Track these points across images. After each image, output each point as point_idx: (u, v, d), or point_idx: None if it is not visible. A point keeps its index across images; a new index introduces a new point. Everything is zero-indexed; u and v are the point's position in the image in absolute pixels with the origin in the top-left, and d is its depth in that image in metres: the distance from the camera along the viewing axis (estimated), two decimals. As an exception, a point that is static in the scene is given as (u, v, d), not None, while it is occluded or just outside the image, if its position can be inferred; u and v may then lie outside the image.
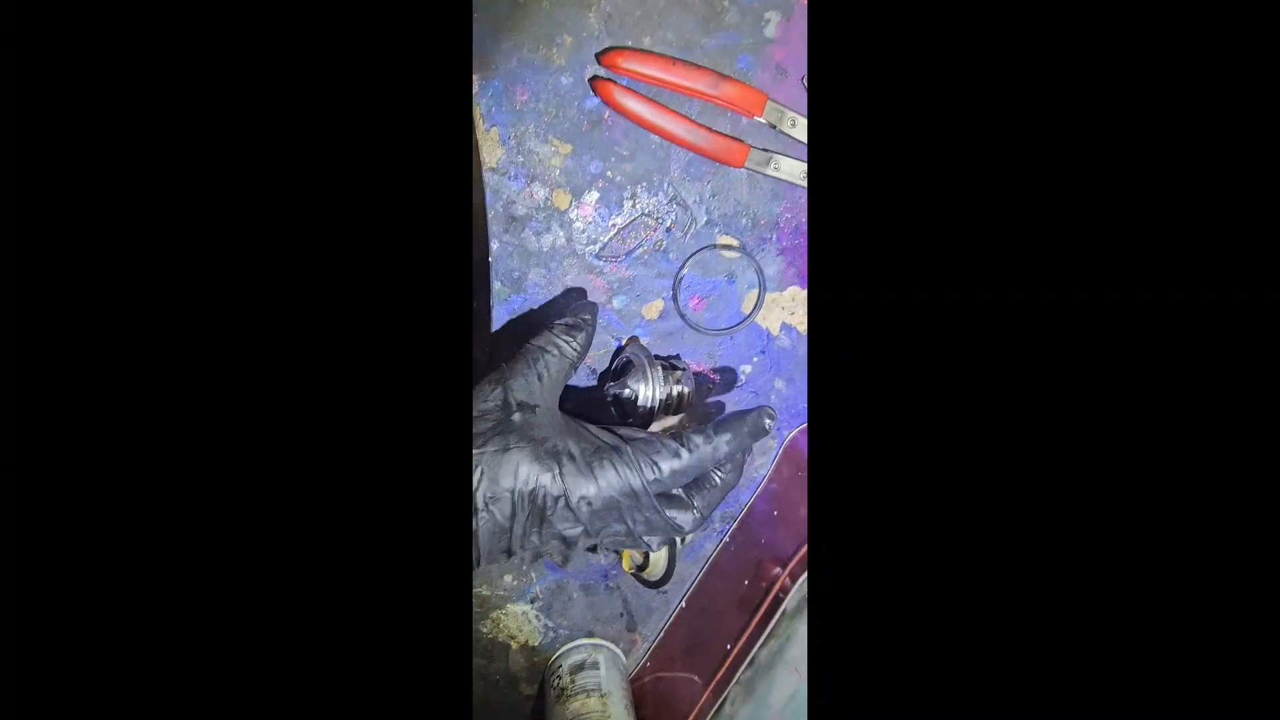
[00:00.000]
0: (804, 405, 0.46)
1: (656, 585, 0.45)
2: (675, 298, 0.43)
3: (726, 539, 0.48)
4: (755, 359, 0.45)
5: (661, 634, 0.49)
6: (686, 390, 0.42)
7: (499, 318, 0.42)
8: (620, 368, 0.42)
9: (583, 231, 0.41)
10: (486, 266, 0.40)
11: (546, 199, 0.40)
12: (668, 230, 0.42)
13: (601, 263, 0.42)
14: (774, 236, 0.43)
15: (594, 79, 0.38)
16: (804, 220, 0.42)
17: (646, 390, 0.40)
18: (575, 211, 0.40)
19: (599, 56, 0.38)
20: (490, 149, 0.39)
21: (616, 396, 0.41)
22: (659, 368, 0.41)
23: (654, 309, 0.43)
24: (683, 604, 0.49)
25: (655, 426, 0.43)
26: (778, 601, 0.40)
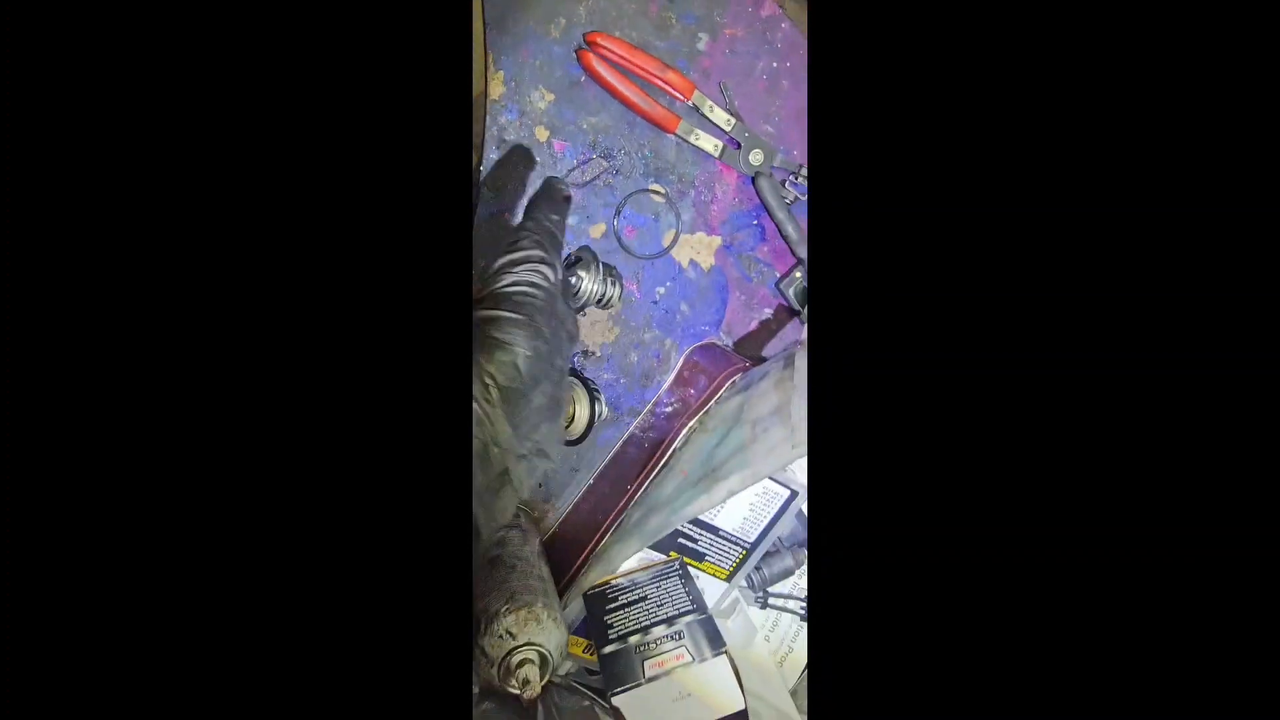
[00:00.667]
0: (702, 328, 0.61)
1: (573, 443, 0.57)
2: (614, 224, 0.57)
3: (634, 429, 0.60)
4: (668, 284, 0.60)
5: (570, 507, 0.60)
6: (618, 291, 0.55)
7: (481, 214, 0.54)
8: (573, 261, 0.55)
9: (552, 160, 0.55)
10: (478, 174, 0.53)
11: (531, 131, 0.54)
12: (615, 172, 0.56)
13: (564, 186, 0.56)
14: (691, 191, 0.58)
15: (578, 50, 0.53)
16: (716, 185, 0.59)
17: (589, 282, 0.54)
18: (550, 144, 0.55)
19: (584, 36, 0.53)
20: (495, 86, 0.53)
21: (565, 282, 0.54)
22: (602, 268, 0.54)
23: (598, 230, 0.57)
24: (591, 480, 0.60)
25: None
26: (671, 442, 0.52)
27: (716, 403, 0.51)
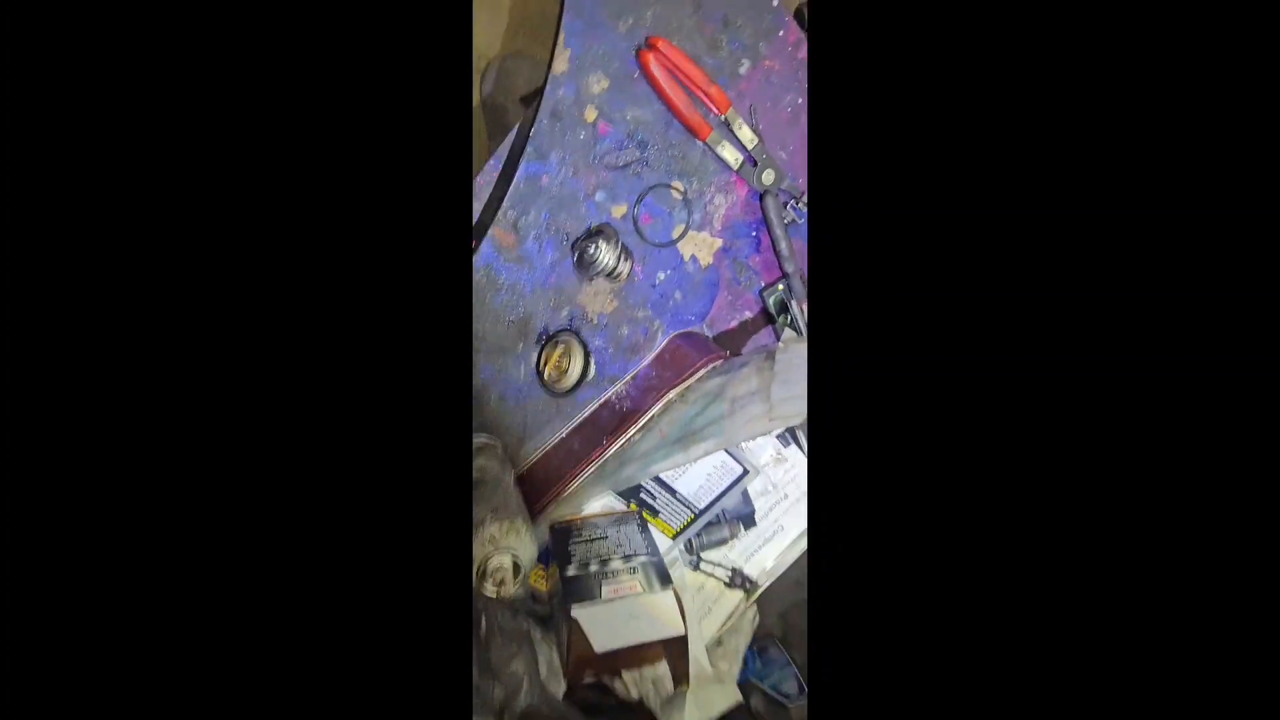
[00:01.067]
0: (689, 317, 0.68)
1: (561, 395, 0.63)
2: (634, 209, 0.64)
3: (611, 396, 0.67)
4: (668, 271, 0.66)
5: (540, 454, 0.66)
6: (628, 268, 0.62)
7: (521, 174, 0.60)
8: (595, 232, 0.61)
9: (594, 140, 0.61)
10: (527, 136, 0.59)
11: (582, 109, 0.60)
12: (645, 163, 0.63)
13: (597, 165, 0.62)
14: (706, 194, 0.66)
15: (639, 49, 0.60)
16: (728, 193, 0.66)
17: (606, 254, 0.60)
18: (596, 125, 0.61)
19: (647, 37, 0.60)
20: (560, 62, 0.58)
21: (583, 249, 0.60)
22: (620, 243, 0.60)
23: (619, 210, 0.63)
24: (564, 434, 0.66)
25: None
26: (650, 409, 0.59)
27: (698, 381, 0.58)
